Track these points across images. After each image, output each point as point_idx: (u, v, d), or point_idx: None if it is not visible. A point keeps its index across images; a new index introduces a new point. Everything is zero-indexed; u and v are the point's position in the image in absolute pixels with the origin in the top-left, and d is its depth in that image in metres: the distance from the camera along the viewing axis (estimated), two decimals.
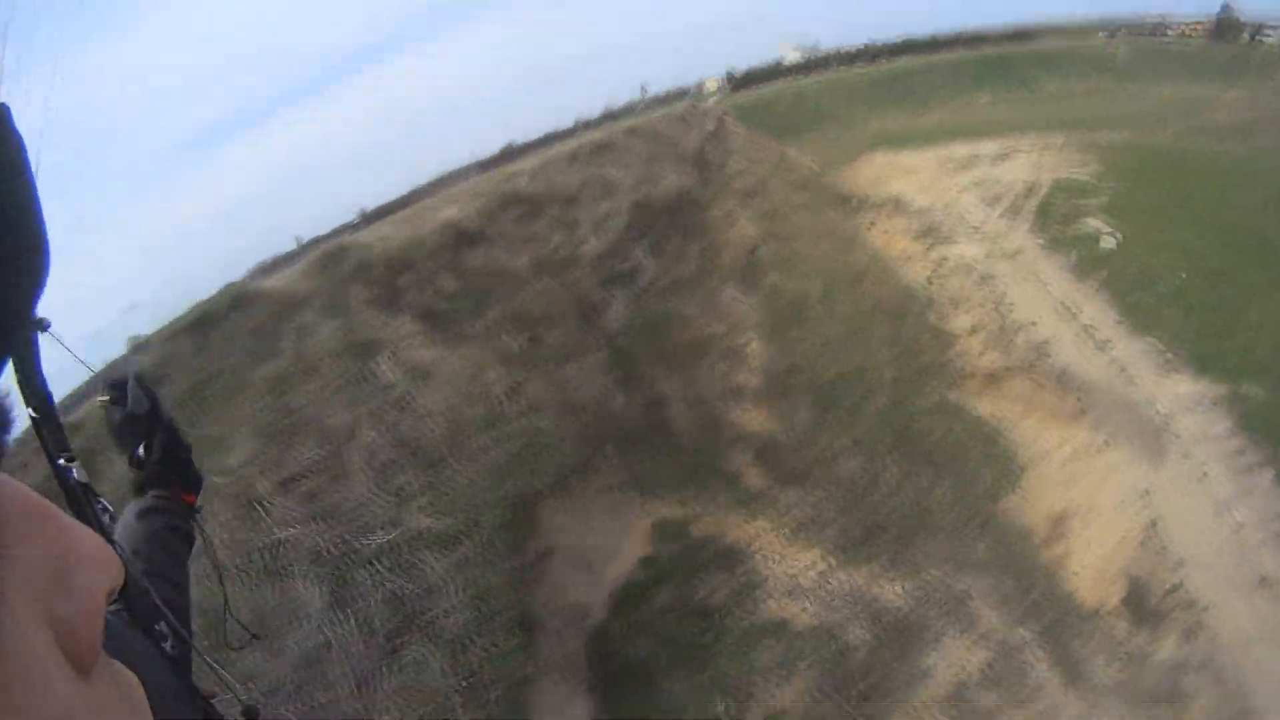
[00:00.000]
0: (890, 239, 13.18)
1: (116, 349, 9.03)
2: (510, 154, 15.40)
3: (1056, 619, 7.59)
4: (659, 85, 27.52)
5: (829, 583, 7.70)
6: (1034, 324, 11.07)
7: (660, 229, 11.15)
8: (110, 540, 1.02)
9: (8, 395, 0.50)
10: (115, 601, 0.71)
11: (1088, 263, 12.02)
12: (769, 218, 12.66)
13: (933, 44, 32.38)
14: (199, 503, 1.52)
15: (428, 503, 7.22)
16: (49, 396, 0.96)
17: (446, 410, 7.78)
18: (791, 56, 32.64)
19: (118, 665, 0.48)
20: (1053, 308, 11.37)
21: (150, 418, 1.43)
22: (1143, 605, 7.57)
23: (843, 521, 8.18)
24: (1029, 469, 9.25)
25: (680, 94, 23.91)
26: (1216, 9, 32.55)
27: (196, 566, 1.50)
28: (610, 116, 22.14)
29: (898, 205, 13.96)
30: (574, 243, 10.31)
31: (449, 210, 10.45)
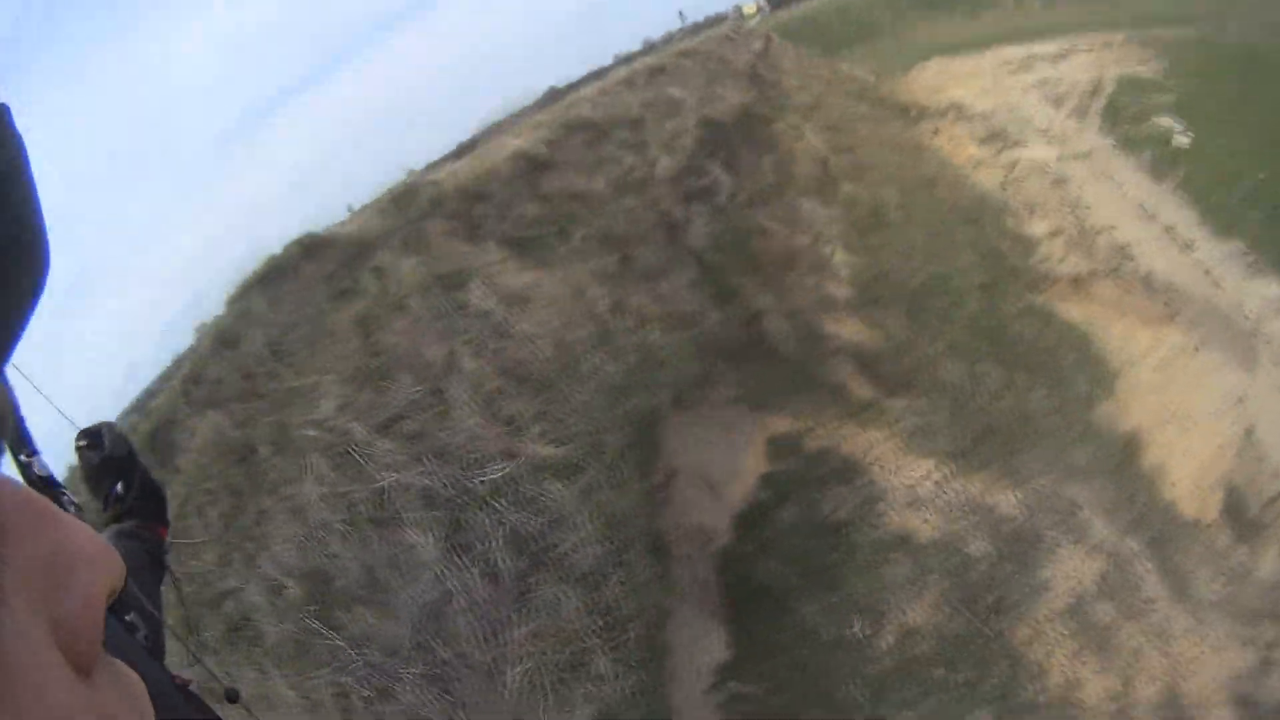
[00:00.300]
0: (956, 145, 12.65)
1: (185, 340, 8.88)
2: (555, 96, 14.51)
3: (1161, 530, 7.55)
4: (695, 13, 26.66)
5: (945, 493, 7.65)
6: (1114, 227, 10.76)
7: (731, 145, 10.68)
8: None
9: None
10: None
11: (1162, 162, 11.58)
12: (833, 130, 12.13)
13: None
14: (169, 539, 1.65)
15: (543, 430, 6.85)
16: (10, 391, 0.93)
17: (550, 333, 7.42)
18: None
19: (119, 664, 0.45)
20: (1131, 210, 11.03)
21: (129, 459, 1.56)
22: (1243, 516, 7.50)
23: (952, 429, 8.07)
24: (1122, 374, 9.13)
25: (718, 20, 22.63)
26: None
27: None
28: (651, 48, 21.26)
29: (960, 112, 13.32)
30: (647, 163, 9.87)
31: (515, 141, 9.97)
